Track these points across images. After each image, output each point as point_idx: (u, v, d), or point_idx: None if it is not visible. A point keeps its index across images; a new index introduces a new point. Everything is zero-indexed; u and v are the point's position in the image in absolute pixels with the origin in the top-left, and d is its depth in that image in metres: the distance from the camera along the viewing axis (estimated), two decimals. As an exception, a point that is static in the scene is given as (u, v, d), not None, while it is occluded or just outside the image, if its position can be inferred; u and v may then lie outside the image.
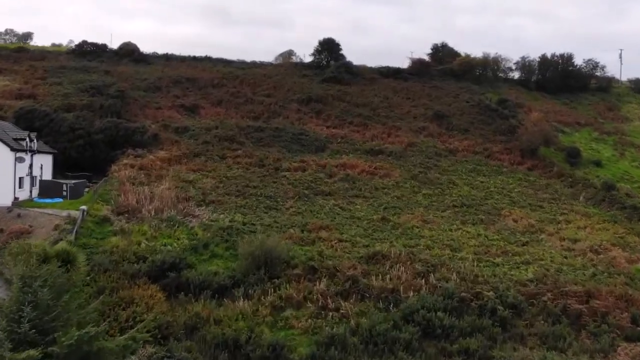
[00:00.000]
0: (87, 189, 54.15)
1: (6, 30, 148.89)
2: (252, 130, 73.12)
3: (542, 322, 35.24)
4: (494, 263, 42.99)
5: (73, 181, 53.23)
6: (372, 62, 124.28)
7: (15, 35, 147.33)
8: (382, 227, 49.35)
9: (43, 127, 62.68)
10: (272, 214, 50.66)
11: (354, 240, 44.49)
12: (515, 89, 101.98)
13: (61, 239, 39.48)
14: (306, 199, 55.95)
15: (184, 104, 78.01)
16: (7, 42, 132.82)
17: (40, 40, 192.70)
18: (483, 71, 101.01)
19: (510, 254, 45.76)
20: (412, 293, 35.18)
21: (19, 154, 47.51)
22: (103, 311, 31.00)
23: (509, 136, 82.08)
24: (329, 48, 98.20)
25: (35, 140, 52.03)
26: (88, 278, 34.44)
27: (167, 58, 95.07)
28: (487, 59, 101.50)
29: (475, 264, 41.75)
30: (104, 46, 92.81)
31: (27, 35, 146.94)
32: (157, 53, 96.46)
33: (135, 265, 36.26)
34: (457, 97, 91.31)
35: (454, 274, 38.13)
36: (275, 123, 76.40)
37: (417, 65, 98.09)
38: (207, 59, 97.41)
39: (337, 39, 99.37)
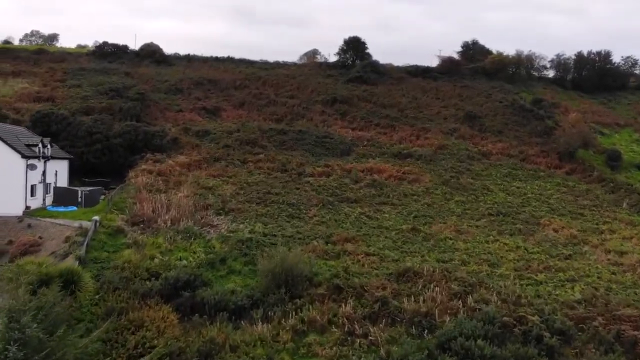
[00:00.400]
0: (102, 196, 51.96)
1: (32, 31, 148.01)
2: (275, 133, 70.38)
3: (594, 350, 31.49)
4: (536, 281, 39.28)
5: (88, 188, 51.12)
6: (399, 61, 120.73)
7: (41, 36, 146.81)
8: (412, 239, 46.02)
9: (60, 131, 60.95)
10: (295, 223, 47.74)
11: (383, 253, 41.25)
12: (550, 88, 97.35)
13: (71, 253, 37.28)
14: (330, 206, 52.90)
15: (205, 106, 75.70)
16: (33, 43, 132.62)
17: (66, 41, 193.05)
18: (516, 70, 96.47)
19: (553, 270, 41.97)
20: (448, 317, 31.80)
21: (30, 161, 45.48)
22: (109, 337, 28.52)
23: (545, 138, 77.92)
24: (354, 47, 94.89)
25: (49, 146, 50.02)
26: (97, 297, 32.01)
27: (189, 59, 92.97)
28: (521, 56, 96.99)
29: (517, 282, 38.17)
30: (125, 47, 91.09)
31: (53, 37, 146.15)
32: (179, 54, 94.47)
33: (147, 282, 33.64)
34: (490, 97, 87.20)
35: (494, 295, 34.63)
36: (299, 125, 73.55)
37: (447, 64, 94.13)
38: (230, 59, 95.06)
39: (363, 37, 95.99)
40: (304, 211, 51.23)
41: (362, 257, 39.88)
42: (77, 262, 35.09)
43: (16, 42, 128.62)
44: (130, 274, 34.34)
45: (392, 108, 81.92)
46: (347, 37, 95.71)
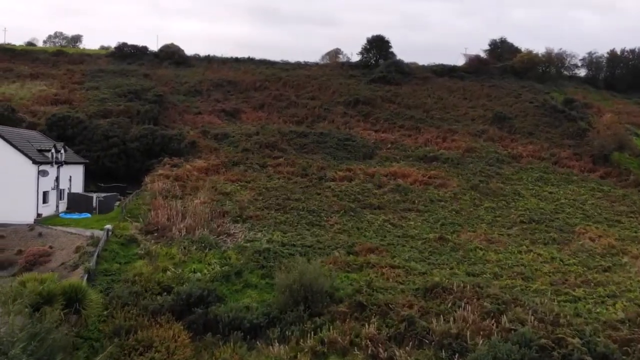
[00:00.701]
0: (118, 203, 50.42)
1: (55, 33, 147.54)
2: (295, 135, 68.28)
3: (642, 377, 28.68)
4: (574, 297, 36.34)
5: (103, 194, 49.60)
6: (423, 60, 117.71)
7: (64, 38, 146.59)
8: (440, 249, 43.42)
9: (76, 135, 59.79)
10: (315, 232, 45.51)
11: (408, 266, 38.73)
12: (581, 88, 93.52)
13: (81, 264, 35.63)
14: (352, 213, 50.55)
15: (224, 108, 73.99)
16: (56, 44, 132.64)
17: (90, 43, 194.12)
18: (546, 69, 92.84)
19: (592, 284, 38.95)
20: (480, 339, 29.16)
21: (42, 167, 44.01)
22: (117, 358, 26.65)
23: (578, 140, 74.46)
24: (377, 46, 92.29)
25: (62, 151, 48.62)
26: (105, 313, 30.21)
27: (209, 60, 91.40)
28: (551, 55, 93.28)
29: (553, 298, 35.34)
30: (145, 48, 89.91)
31: (76, 38, 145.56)
32: (198, 55, 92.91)
33: (159, 297, 31.74)
34: (519, 97, 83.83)
35: (530, 314, 31.87)
36: (320, 128, 71.37)
37: (475, 63, 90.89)
38: (250, 60, 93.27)
39: (387, 35, 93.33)
40: (325, 218, 49.00)
41: (387, 270, 37.43)
42: (86, 275, 33.46)
43: (40, 44, 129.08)
44: (140, 288, 32.48)
45: (417, 109, 79.22)
46: (370, 36, 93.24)
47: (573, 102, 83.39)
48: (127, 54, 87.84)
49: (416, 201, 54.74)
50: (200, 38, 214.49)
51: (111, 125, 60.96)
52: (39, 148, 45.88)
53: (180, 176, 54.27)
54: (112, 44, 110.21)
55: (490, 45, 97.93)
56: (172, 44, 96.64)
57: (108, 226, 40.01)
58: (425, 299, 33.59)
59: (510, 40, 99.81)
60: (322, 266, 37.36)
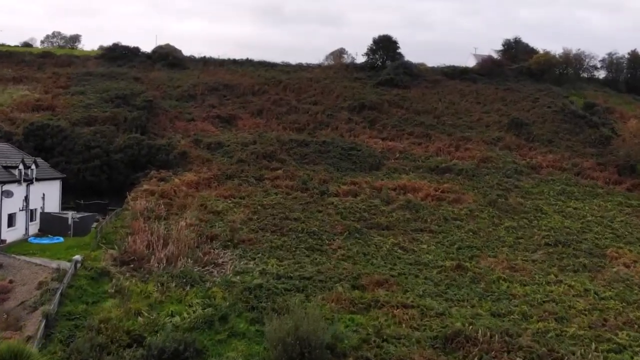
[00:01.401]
0: (96, 224, 45.23)
1: (53, 33, 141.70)
2: (295, 144, 62.89)
3: None
4: (618, 344, 30.95)
5: (78, 215, 44.47)
6: (430, 60, 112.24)
7: (62, 37, 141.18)
8: (458, 280, 38.01)
9: (55, 146, 54.79)
10: (316, 258, 40.20)
11: (423, 304, 33.33)
12: (602, 91, 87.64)
13: (43, 303, 30.47)
14: (358, 235, 45.17)
15: (219, 114, 68.64)
16: (54, 45, 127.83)
17: (90, 43, 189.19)
18: (564, 70, 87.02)
19: (635, 326, 33.58)
20: (515, 410, 23.89)
21: (6, 187, 38.79)
22: None
23: (601, 148, 68.84)
24: (384, 46, 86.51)
25: (33, 166, 43.40)
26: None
27: (205, 62, 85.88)
28: (569, 56, 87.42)
29: (595, 346, 29.96)
30: (137, 49, 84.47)
31: (75, 38, 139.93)
32: (194, 57, 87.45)
33: (126, 352, 26.54)
34: (537, 101, 78.09)
35: (571, 372, 26.55)
36: (322, 136, 65.95)
37: (488, 64, 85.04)
38: (248, 62, 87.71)
39: (393, 35, 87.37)
40: (327, 242, 43.65)
41: (399, 311, 32.04)
42: (44, 320, 28.27)
43: (37, 44, 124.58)
44: (106, 339, 27.22)
45: (427, 114, 73.66)
46: (376, 35, 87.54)
47: (594, 107, 77.70)
48: (118, 55, 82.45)
49: (428, 220, 49.33)
50: (201, 38, 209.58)
51: (94, 135, 55.81)
52: (4, 164, 40.67)
53: (166, 192, 49.01)
54: (106, 44, 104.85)
55: (503, 45, 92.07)
56: (167, 45, 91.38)
57: (77, 257, 34.81)
58: (445, 350, 28.27)
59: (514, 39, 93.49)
60: (322, 305, 32.32)
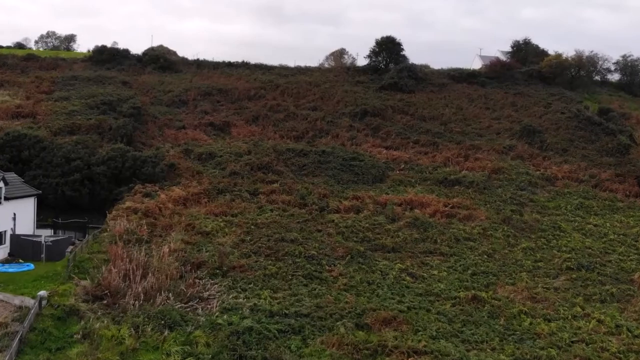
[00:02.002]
0: (71, 247, 40.97)
1: (48, 32, 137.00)
2: (293, 154, 58.68)
3: None
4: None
5: (52, 238, 40.20)
6: (432, 59, 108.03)
7: (57, 38, 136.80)
8: (475, 316, 33.70)
9: (32, 157, 50.67)
10: (314, 289, 35.88)
11: (438, 349, 29.01)
12: (616, 95, 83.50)
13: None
14: (361, 259, 40.87)
15: (212, 121, 64.49)
16: (49, 45, 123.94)
17: (88, 44, 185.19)
18: (576, 73, 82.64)
19: (680, 372, 29.36)
20: None
21: (-35, 210, 34.53)
22: None
23: (619, 157, 64.69)
24: (387, 48, 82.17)
25: (1, 184, 39.09)
26: None
27: (199, 65, 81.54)
28: (581, 58, 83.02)
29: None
30: (126, 52, 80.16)
31: (70, 38, 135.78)
32: (187, 59, 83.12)
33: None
34: (549, 106, 73.85)
35: None
36: (322, 145, 61.72)
37: (497, 67, 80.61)
38: (244, 64, 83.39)
39: (394, 34, 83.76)
40: (327, 267, 39.36)
41: (410, 360, 27.76)
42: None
43: (32, 44, 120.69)
44: (66, 401, 23.00)
45: (433, 121, 69.43)
46: (377, 36, 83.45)
47: (609, 112, 73.45)
48: (107, 58, 78.09)
49: (438, 240, 45.08)
50: (201, 38, 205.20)
51: (75, 145, 51.56)
52: (-35, 184, 36.42)
53: (151, 210, 44.70)
54: (107, 44, 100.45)
55: (512, 46, 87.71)
56: (159, 46, 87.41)
57: (42, 293, 30.50)
58: (467, 415, 23.98)
59: (518, 39, 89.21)
60: (321, 351, 28.07)
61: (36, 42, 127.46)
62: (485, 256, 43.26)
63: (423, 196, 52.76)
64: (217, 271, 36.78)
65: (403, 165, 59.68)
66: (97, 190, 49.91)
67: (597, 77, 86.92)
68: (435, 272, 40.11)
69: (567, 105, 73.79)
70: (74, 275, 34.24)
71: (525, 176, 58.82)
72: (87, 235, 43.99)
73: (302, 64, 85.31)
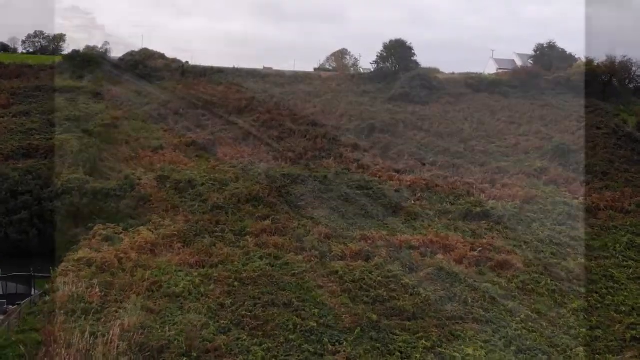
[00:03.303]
0: (1, 318, 31.97)
1: (35, 32, 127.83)
2: (289, 182, 49.73)
3: None
4: None
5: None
6: (436, 59, 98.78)
7: (46, 37, 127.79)
8: None
9: (-29, 191, 41.48)
10: (314, 383, 26.95)
11: None
12: (652, 106, 74.29)
13: None
14: (374, 334, 31.83)
15: (195, 140, 55.56)
16: (36, 45, 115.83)
17: (74, 43, 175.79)
18: (608, 81, 73.57)
19: None
20: None
21: None
22: None
23: (668, 182, 55.60)
24: (397, 53, 73.09)
25: None
26: None
27: (183, 72, 72.48)
28: (614, 64, 73.94)
29: None
30: (102, 56, 71.09)
31: (59, 37, 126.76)
32: (170, 66, 73.96)
33: None
34: (582, 120, 64.72)
35: None
36: (323, 169, 52.80)
37: (522, 75, 71.44)
38: (236, 70, 74.32)
39: (394, 33, 75.06)
40: (330, 346, 30.34)
41: None
42: None
43: (18, 45, 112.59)
44: None
45: (451, 138, 60.43)
46: (378, 36, 74.89)
47: (650, 126, 64.36)
48: (79, 64, 68.92)
49: (469, 299, 36.02)
50: (198, 37, 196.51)
51: (23, 176, 42.69)
52: None
53: (108, 263, 35.66)
54: (99, 44, 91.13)
55: (535, 51, 78.56)
56: (144, 49, 78.38)
57: None
58: None
59: (518, 38, 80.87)
60: None
61: (23, 42, 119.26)
62: (530, 323, 34.23)
63: (446, 236, 43.72)
64: (184, 359, 27.82)
65: (419, 194, 50.69)
66: (49, 231, 41.00)
67: (631, 85, 77.77)
68: (470, 350, 31.03)
69: (602, 119, 64.76)
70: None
71: (564, 206, 49.81)
72: (31, 294, 35.24)
73: (302, 64, 76.67)
